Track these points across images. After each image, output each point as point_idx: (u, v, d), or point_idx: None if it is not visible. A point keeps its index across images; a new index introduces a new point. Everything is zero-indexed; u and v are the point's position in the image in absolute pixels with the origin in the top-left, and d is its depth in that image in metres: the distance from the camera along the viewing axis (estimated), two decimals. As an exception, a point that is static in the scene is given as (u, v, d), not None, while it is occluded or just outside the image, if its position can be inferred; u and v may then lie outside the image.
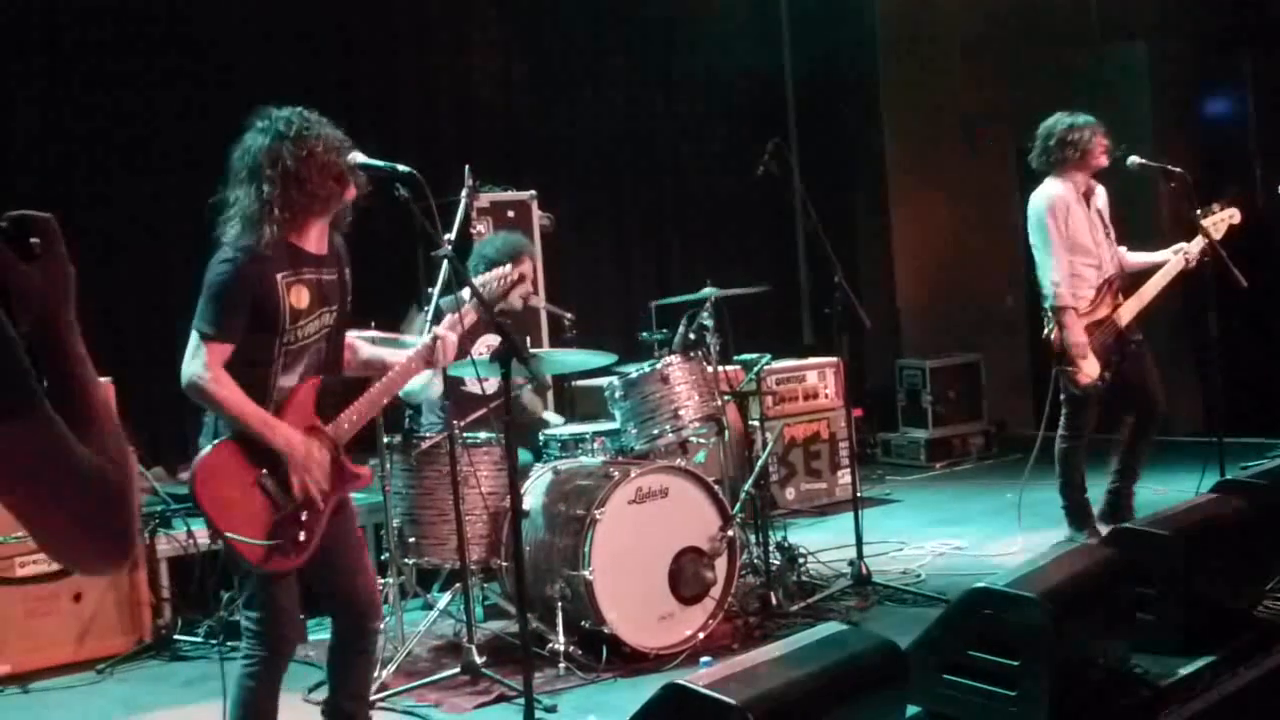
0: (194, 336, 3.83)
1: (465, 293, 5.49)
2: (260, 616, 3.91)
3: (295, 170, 3.81)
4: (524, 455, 5.86)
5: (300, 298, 3.89)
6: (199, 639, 6.04)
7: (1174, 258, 6.55)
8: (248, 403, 3.83)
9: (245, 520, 3.79)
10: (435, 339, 4.25)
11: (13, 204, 1.85)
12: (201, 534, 6.18)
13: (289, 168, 3.81)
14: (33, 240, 1.86)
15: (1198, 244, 6.53)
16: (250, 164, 3.86)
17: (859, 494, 6.77)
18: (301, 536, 3.88)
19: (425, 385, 5.41)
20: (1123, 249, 6.63)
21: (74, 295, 1.92)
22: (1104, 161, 6.51)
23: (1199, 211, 6.54)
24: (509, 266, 4.72)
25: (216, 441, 3.85)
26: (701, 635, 5.46)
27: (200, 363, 3.79)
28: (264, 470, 3.85)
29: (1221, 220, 6.52)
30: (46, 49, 7.09)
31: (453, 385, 5.36)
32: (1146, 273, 6.59)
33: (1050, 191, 6.51)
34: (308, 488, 3.87)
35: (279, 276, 3.84)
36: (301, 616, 5.80)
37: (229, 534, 3.76)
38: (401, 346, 5.33)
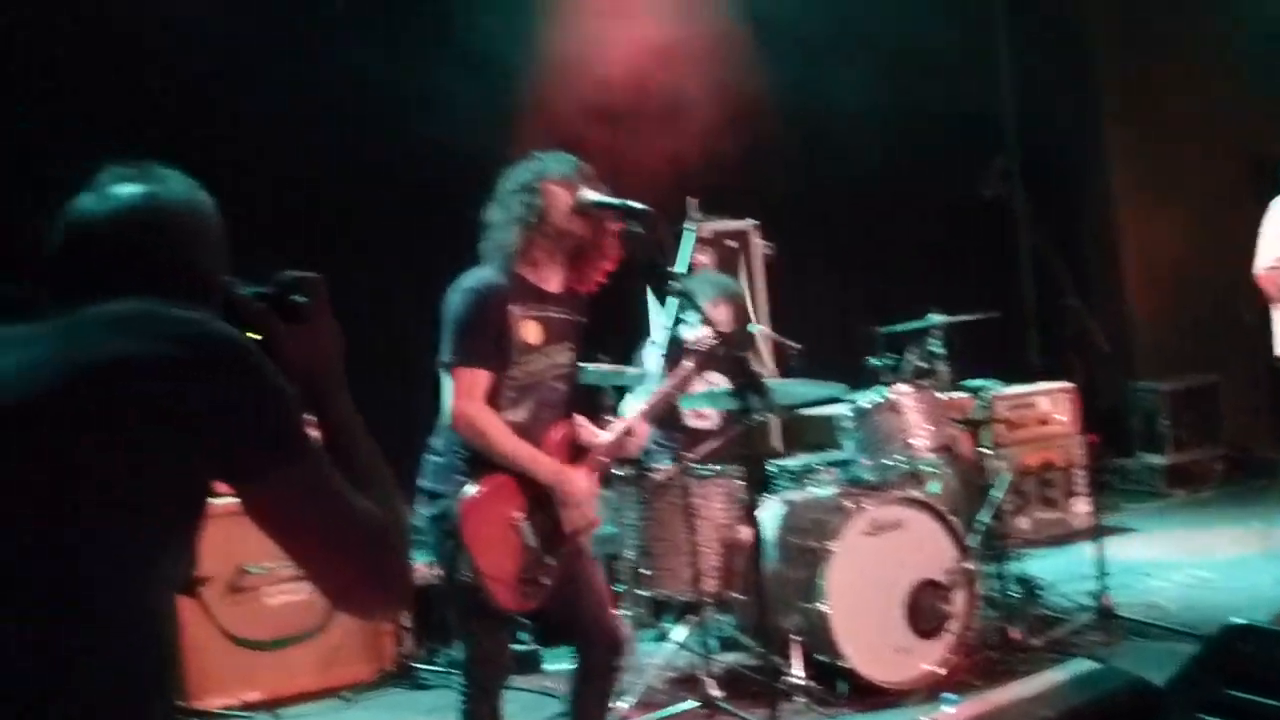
0: (443, 373, 3.90)
1: (689, 329, 5.53)
2: (469, 654, 4.00)
3: (543, 210, 3.91)
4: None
5: (531, 333, 3.95)
6: (440, 668, 6.16)
7: None
8: (518, 440, 3.89)
9: (501, 561, 3.85)
10: (627, 431, 4.24)
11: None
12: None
13: (541, 208, 3.91)
14: (298, 300, 1.91)
15: None
16: (510, 195, 3.97)
17: (1098, 523, 6.56)
18: (544, 580, 3.92)
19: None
20: None
21: (342, 353, 1.98)
22: None
23: None
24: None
25: (485, 480, 3.88)
26: (941, 670, 5.35)
27: (461, 397, 3.85)
28: (520, 512, 3.91)
29: None
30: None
31: (675, 419, 5.38)
32: None
33: None
34: (577, 525, 3.93)
35: (514, 309, 3.91)
36: (535, 646, 5.91)
37: (487, 574, 3.81)
38: (628, 380, 5.39)
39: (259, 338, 1.86)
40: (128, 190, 1.88)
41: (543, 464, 3.93)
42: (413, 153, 7.24)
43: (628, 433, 4.23)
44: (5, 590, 1.60)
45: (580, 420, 4.29)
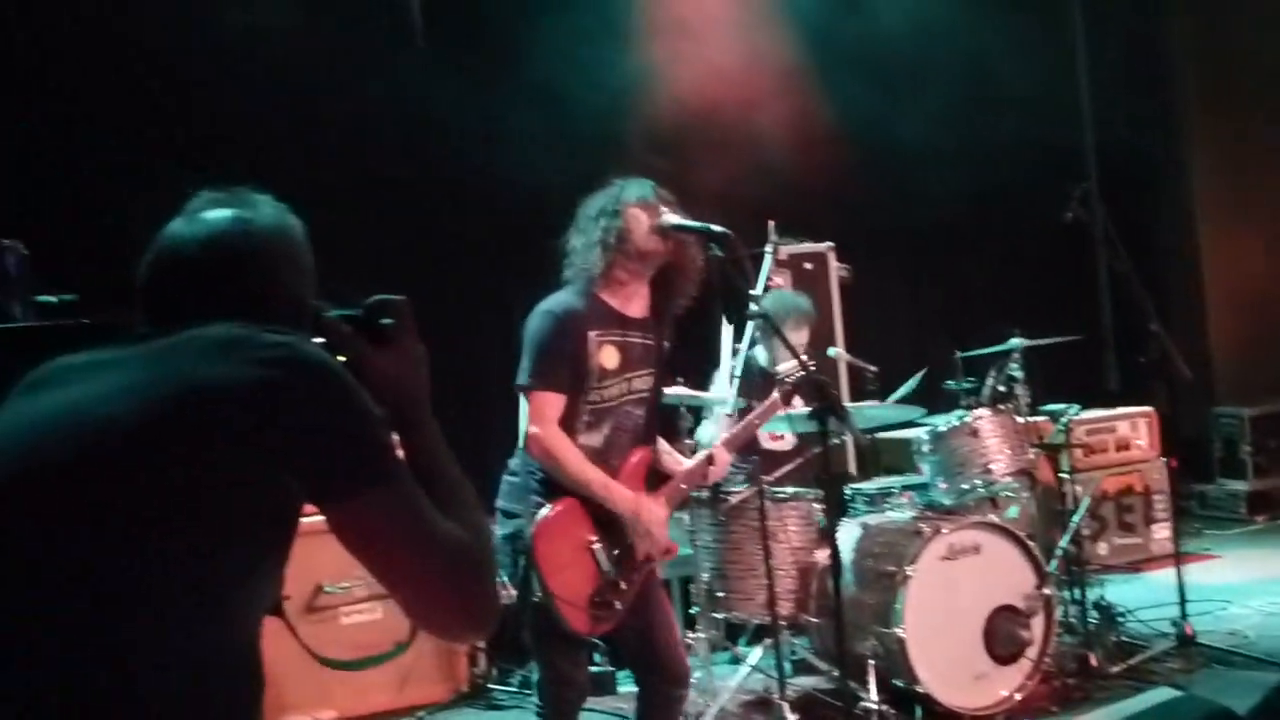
0: (519, 394, 3.94)
1: (772, 357, 5.51)
2: (544, 676, 4.01)
3: (624, 233, 3.93)
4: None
5: (609, 358, 3.96)
6: (514, 689, 6.18)
7: None
8: (589, 465, 3.90)
9: (573, 583, 3.87)
10: (710, 457, 4.26)
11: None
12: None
13: (622, 230, 3.93)
14: (384, 323, 1.94)
15: None
16: (590, 219, 4.00)
17: (1178, 549, 6.46)
18: (617, 605, 3.94)
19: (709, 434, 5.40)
20: None
21: (427, 375, 2.00)
22: None
23: None
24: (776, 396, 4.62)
25: (559, 501, 3.92)
26: (1018, 696, 5.29)
27: (534, 420, 3.88)
28: (595, 536, 3.93)
29: None
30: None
31: (753, 442, 5.37)
32: None
33: None
34: (650, 553, 3.93)
35: (591, 334, 3.93)
36: (610, 667, 5.91)
37: (558, 596, 3.82)
38: (705, 404, 5.40)
39: (347, 360, 1.88)
40: (218, 215, 1.92)
41: (614, 491, 3.94)
42: (495, 179, 7.29)
43: (709, 461, 4.23)
44: (94, 607, 1.62)
45: (664, 446, 4.30)
